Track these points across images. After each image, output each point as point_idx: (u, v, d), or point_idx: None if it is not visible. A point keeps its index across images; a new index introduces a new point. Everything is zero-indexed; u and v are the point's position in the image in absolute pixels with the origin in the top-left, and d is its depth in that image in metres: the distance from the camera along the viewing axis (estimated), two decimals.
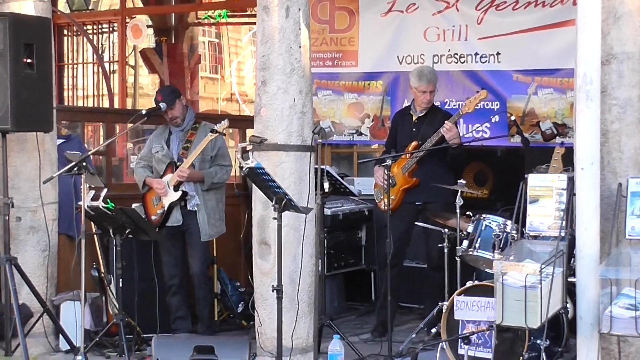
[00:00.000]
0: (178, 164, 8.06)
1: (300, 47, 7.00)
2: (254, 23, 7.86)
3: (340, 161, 11.24)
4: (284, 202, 6.33)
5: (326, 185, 7.30)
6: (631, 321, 5.05)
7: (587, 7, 5.44)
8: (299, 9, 7.00)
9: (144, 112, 7.97)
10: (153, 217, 8.13)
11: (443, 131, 7.93)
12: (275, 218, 6.40)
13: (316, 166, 7.07)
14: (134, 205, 8.17)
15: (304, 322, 6.97)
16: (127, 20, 12.90)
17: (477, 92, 8.11)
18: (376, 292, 9.52)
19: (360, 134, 9.84)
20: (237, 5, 13.80)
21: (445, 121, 7.97)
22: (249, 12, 13.88)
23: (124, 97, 13.07)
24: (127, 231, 7.57)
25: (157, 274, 8.17)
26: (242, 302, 8.84)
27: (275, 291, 6.41)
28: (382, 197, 8.18)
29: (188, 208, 8.09)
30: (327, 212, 8.98)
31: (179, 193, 8.00)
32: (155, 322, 8.04)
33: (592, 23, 5.45)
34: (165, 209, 8.06)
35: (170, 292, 8.20)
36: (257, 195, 6.92)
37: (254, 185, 6.86)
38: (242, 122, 10.40)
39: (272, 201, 6.40)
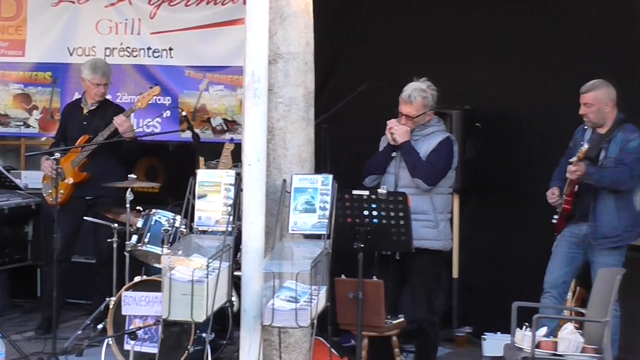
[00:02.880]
0: None
1: None
2: None
3: (7, 154, 10.84)
4: None
5: None
6: (292, 313, 5.22)
7: (255, 7, 5.56)
8: None
9: None
10: None
11: (116, 124, 7.87)
12: None
13: None
14: None
15: None
16: None
17: (151, 87, 8.15)
18: (42, 288, 9.27)
19: (28, 125, 9.57)
20: None
21: (116, 116, 7.92)
22: None
23: None
24: None
25: None
26: None
27: None
28: (50, 190, 7.99)
29: None
30: None
31: None
32: None
33: (260, 23, 5.58)
34: None
35: None
36: None
37: None
38: None
39: None
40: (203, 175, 5.84)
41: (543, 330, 6.04)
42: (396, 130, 6.74)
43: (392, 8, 8.60)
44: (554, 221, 7.01)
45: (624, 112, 6.92)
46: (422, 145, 6.76)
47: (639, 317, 6.91)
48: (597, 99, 6.83)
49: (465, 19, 8.34)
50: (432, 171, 6.67)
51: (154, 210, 7.30)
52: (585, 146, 6.70)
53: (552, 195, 6.98)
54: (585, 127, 6.98)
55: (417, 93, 6.75)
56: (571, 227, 6.96)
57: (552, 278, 6.94)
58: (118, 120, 7.89)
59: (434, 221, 6.69)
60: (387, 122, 6.82)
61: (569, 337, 5.81)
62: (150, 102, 8.09)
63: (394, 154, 6.79)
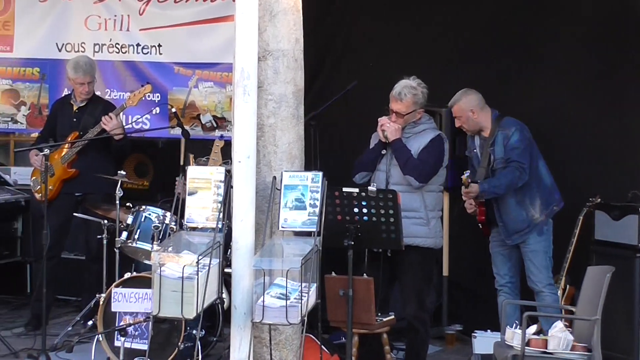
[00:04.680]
0: None
1: None
2: None
3: None
4: None
5: None
6: (282, 310, 5.21)
7: (244, 4, 5.55)
8: None
9: None
10: None
11: (103, 124, 7.85)
12: None
13: None
14: None
15: None
16: None
17: (142, 85, 8.13)
18: (32, 284, 9.25)
19: (16, 121, 9.53)
20: None
21: (104, 116, 7.89)
22: None
23: None
24: None
25: None
26: None
27: None
28: (39, 187, 7.97)
29: None
30: None
31: None
32: None
33: (249, 19, 5.57)
34: None
35: None
36: None
37: None
38: None
39: None
40: (193, 171, 5.82)
41: (533, 328, 6.06)
42: (387, 128, 6.74)
43: (382, 5, 8.59)
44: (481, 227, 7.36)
45: None
46: (413, 142, 6.76)
47: (619, 312, 6.93)
48: (461, 110, 7.14)
49: (455, 17, 8.34)
50: (423, 168, 6.68)
51: (143, 207, 7.30)
52: (466, 174, 6.99)
53: (470, 205, 7.24)
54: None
55: (407, 90, 6.76)
56: (494, 230, 7.29)
57: (499, 277, 7.30)
58: (105, 120, 7.87)
59: (425, 219, 6.70)
60: (379, 119, 6.83)
61: (559, 335, 5.82)
62: (141, 100, 8.08)
63: (384, 152, 6.80)
